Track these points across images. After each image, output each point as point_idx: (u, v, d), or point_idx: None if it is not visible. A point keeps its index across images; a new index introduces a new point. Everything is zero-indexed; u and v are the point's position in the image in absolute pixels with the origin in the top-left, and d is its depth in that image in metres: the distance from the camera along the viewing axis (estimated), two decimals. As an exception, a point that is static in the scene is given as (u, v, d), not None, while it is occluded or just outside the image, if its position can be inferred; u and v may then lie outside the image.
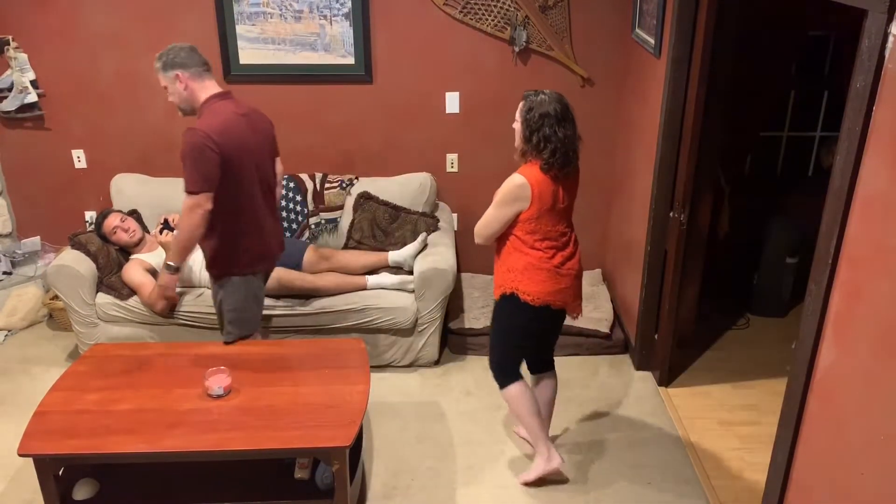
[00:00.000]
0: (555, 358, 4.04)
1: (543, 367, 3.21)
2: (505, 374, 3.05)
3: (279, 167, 3.24)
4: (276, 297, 3.75)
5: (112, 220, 3.92)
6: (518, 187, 2.71)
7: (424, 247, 3.96)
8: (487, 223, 2.83)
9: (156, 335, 3.75)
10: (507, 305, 2.90)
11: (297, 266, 3.88)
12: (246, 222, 2.98)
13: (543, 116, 2.68)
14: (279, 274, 3.75)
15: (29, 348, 4.10)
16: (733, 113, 3.66)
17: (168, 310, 3.60)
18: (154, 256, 3.83)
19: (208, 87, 2.88)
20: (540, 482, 3.13)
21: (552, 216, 2.78)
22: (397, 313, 3.76)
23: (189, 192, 2.79)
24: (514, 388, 3.03)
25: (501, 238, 2.87)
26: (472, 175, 4.44)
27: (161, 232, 3.75)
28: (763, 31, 3.99)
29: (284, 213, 4.19)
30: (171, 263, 3.02)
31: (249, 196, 2.96)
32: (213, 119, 2.81)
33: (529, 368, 3.20)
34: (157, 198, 4.10)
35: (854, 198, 1.90)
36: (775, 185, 4.53)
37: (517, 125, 2.77)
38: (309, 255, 3.93)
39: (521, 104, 2.77)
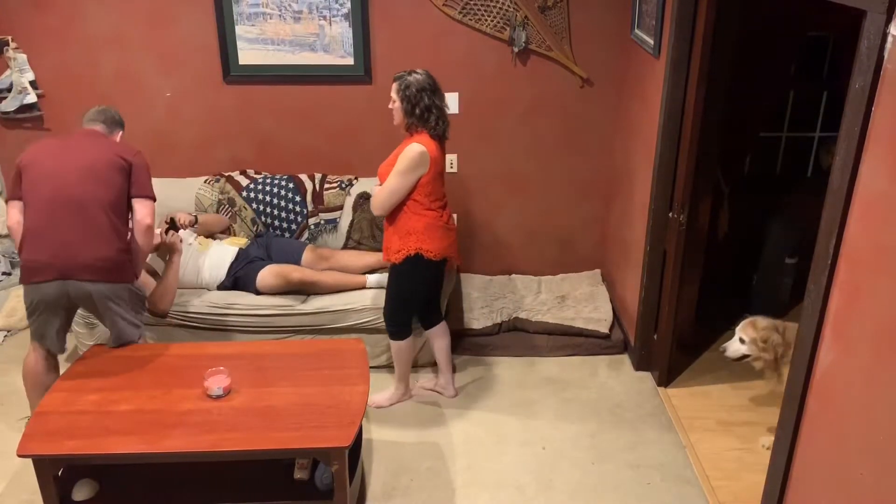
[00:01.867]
0: (552, 357, 4.08)
1: (435, 320, 3.56)
2: (402, 328, 3.44)
3: (136, 212, 3.08)
4: (277, 293, 3.76)
5: None
6: (420, 154, 3.04)
7: None
8: (391, 193, 3.11)
9: (155, 336, 3.75)
10: (412, 266, 3.22)
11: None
12: (24, 231, 2.98)
13: (421, 90, 3.04)
14: (279, 269, 3.78)
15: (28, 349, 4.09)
16: (732, 113, 3.66)
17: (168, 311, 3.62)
18: (154, 257, 3.82)
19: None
20: (543, 484, 3.14)
21: (440, 179, 3.18)
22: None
23: None
24: (409, 340, 3.48)
25: (396, 206, 3.17)
26: (472, 176, 4.44)
27: (167, 231, 3.68)
28: (762, 31, 3.99)
29: (284, 214, 4.19)
30: None
31: (33, 206, 2.95)
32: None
33: (423, 325, 3.56)
34: (157, 198, 4.09)
35: (853, 198, 1.91)
36: (774, 185, 4.53)
37: (395, 105, 3.09)
38: (307, 256, 3.94)
39: (394, 85, 3.09)
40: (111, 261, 2.97)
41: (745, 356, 3.23)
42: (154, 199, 3.16)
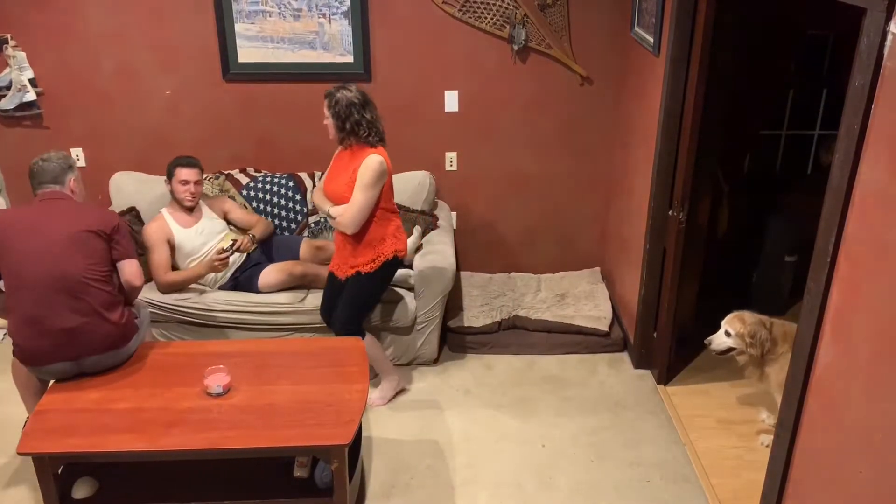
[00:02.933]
0: (552, 355, 4.09)
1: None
2: (358, 331, 3.40)
3: (125, 273, 2.95)
4: (279, 290, 3.79)
5: (190, 174, 3.74)
6: (380, 164, 3.12)
7: (421, 246, 3.98)
8: (361, 208, 3.14)
9: (155, 333, 3.75)
10: (385, 271, 3.34)
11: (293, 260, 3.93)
12: (11, 308, 2.81)
13: (349, 105, 3.11)
14: (282, 265, 3.82)
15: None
16: (732, 111, 3.66)
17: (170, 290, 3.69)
18: (184, 233, 3.75)
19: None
20: (542, 482, 3.14)
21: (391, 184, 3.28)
22: (397, 311, 3.76)
23: None
24: (369, 338, 3.47)
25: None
26: (471, 173, 4.44)
27: (221, 252, 3.60)
28: (762, 29, 3.99)
29: (284, 213, 4.19)
30: None
31: (23, 289, 2.76)
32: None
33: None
34: (155, 196, 4.09)
35: (853, 195, 1.91)
36: (774, 183, 4.53)
37: (328, 121, 3.16)
38: (304, 249, 3.97)
39: (325, 102, 3.15)
40: (116, 334, 2.87)
41: (730, 349, 3.17)
42: (136, 258, 3.04)
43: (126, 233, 2.99)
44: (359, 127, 3.12)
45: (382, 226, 3.25)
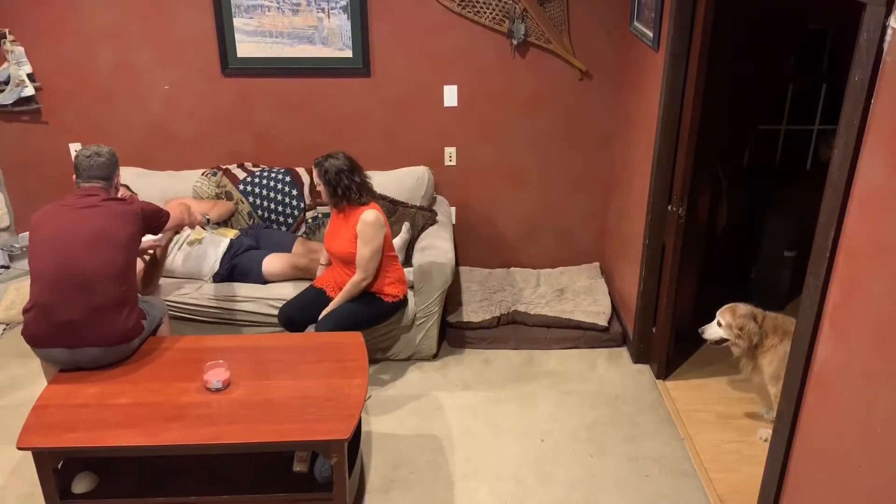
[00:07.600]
0: (551, 350, 4.10)
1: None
2: None
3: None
4: (282, 280, 3.82)
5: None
6: (378, 216, 3.38)
7: (412, 237, 4.01)
8: (372, 257, 3.39)
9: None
10: (395, 306, 3.62)
11: None
12: (31, 301, 2.86)
13: (339, 172, 3.35)
14: (287, 257, 3.86)
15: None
16: (731, 106, 3.66)
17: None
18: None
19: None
20: (542, 477, 3.15)
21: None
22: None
23: None
24: None
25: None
26: (471, 169, 4.44)
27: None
28: (762, 24, 3.99)
29: (281, 208, 4.19)
30: None
31: (40, 278, 2.83)
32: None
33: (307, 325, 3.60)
34: (154, 191, 4.09)
35: (852, 191, 1.91)
36: (773, 178, 4.53)
37: (321, 187, 3.41)
38: (298, 248, 3.97)
39: (315, 171, 3.39)
40: (120, 331, 2.88)
41: (723, 340, 3.27)
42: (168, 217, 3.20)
43: (151, 215, 3.08)
44: (349, 192, 3.36)
45: (391, 271, 3.55)
